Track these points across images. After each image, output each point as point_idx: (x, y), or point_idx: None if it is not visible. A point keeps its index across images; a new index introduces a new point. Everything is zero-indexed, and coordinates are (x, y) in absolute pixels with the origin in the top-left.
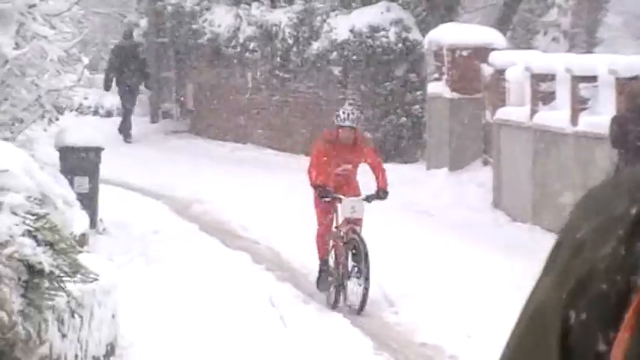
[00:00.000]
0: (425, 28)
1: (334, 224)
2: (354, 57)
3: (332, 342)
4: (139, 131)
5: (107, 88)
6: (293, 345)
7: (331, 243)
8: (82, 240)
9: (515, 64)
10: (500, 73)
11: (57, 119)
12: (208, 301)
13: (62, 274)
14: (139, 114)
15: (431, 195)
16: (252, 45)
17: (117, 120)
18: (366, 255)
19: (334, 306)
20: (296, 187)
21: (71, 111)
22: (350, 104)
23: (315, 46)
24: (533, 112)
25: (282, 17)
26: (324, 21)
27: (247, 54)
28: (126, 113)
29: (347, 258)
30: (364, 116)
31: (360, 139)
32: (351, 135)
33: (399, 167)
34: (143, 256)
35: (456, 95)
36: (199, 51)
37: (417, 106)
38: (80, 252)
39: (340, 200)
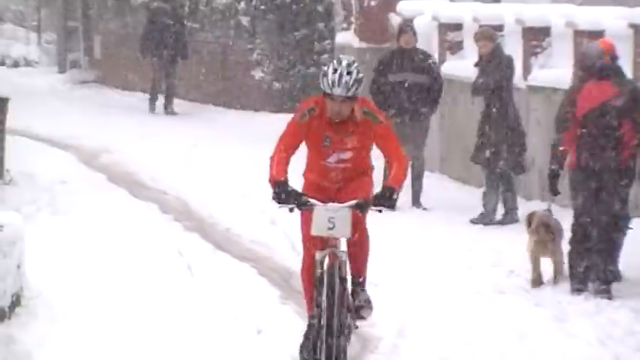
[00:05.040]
0: None
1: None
2: (263, 7)
3: (239, 291)
4: (47, 82)
5: (144, 55)
6: (200, 294)
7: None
8: None
9: (423, 13)
10: (408, 22)
11: None
12: (116, 252)
13: None
14: (46, 64)
15: None
16: None
17: (24, 70)
18: (330, 298)
19: None
20: (204, 138)
21: None
22: (258, 54)
23: None
24: (441, 61)
25: None
26: None
27: (155, 3)
28: (153, 86)
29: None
30: (273, 66)
31: (361, 111)
32: (347, 108)
33: None
34: (50, 206)
35: (364, 44)
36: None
37: (325, 56)
38: None
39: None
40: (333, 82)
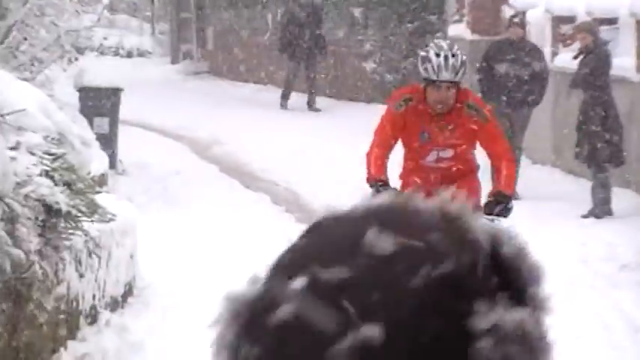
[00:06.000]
0: None
1: None
2: None
3: None
4: (159, 72)
5: (282, 51)
6: None
7: None
8: (101, 180)
9: (536, 5)
10: (517, 14)
11: (76, 59)
12: (227, 242)
13: (79, 214)
14: (159, 54)
15: None
16: None
17: (137, 60)
18: None
19: None
20: (316, 130)
21: (91, 51)
22: (370, 45)
23: None
24: (554, 54)
25: None
26: None
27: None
28: (287, 81)
29: None
30: (385, 57)
31: (466, 104)
32: (452, 95)
33: None
34: (163, 196)
35: (477, 37)
36: None
37: None
38: (98, 192)
39: None
40: (439, 67)
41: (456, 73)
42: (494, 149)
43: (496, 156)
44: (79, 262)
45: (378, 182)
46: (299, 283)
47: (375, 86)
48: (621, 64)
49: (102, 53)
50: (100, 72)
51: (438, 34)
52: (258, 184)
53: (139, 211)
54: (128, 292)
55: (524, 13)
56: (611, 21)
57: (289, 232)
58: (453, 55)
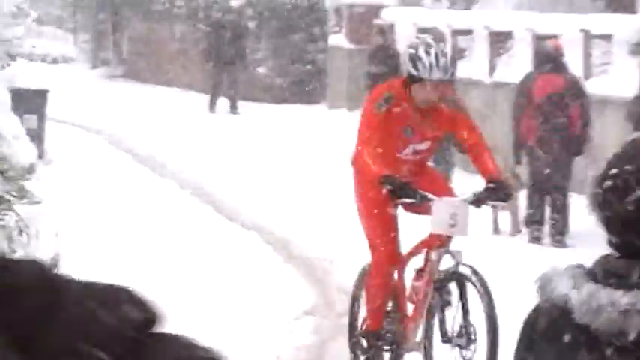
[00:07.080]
0: None
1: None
2: (267, 13)
3: (248, 259)
4: (81, 76)
5: (208, 60)
6: (215, 258)
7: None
8: (30, 169)
9: (404, 19)
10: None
11: (9, 65)
12: (137, 221)
13: (11, 198)
14: (81, 61)
15: (332, 132)
16: (177, 1)
17: (62, 66)
18: (490, 304)
19: None
20: (216, 124)
21: (22, 58)
22: (263, 53)
23: (234, 3)
24: None
25: None
26: None
27: (175, 9)
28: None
29: (436, 308)
30: (275, 64)
31: (445, 97)
32: (439, 92)
33: (304, 108)
34: (84, 182)
35: (353, 46)
36: (132, 4)
37: (320, 55)
38: (28, 179)
39: (429, 202)
40: (430, 65)
41: (447, 72)
42: (473, 138)
43: (475, 145)
44: (10, 239)
45: (388, 176)
46: (614, 171)
47: (266, 88)
48: (476, 68)
49: (31, 60)
50: (29, 76)
51: (320, 44)
52: (167, 172)
53: (63, 195)
54: (54, 265)
55: (392, 25)
56: (468, 32)
57: (194, 213)
58: (443, 54)
